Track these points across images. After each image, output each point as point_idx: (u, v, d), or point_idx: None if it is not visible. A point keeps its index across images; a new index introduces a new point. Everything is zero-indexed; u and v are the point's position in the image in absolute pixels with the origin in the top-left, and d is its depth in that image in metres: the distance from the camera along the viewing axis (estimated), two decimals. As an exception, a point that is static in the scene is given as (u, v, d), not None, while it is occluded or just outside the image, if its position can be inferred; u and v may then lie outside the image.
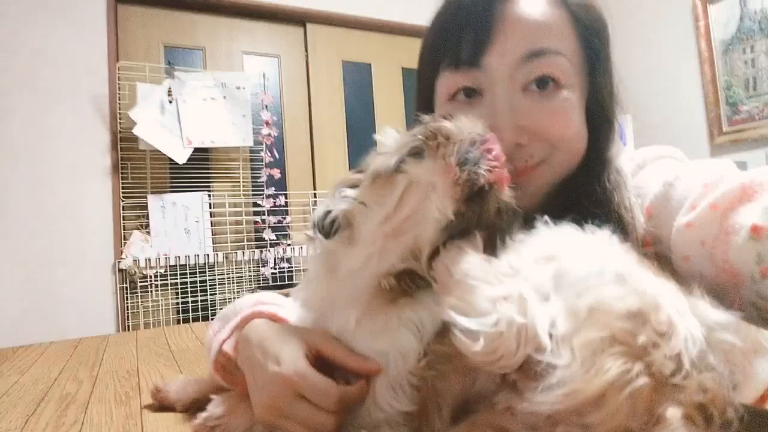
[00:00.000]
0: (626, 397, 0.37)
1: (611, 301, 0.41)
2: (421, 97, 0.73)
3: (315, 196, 3.11)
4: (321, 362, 0.53)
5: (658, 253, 0.64)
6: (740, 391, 0.73)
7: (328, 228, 0.54)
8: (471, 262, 0.47)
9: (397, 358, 0.50)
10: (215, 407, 0.60)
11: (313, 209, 0.58)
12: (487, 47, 0.63)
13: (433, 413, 0.50)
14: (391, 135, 0.55)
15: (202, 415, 0.60)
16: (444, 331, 0.51)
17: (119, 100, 2.68)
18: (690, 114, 3.24)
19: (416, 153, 0.50)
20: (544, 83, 0.63)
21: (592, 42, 0.66)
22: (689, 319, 0.42)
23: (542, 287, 0.43)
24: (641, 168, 0.70)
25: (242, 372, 0.61)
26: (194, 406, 0.69)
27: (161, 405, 0.73)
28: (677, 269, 0.60)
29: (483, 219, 0.51)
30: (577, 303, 0.41)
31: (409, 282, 0.52)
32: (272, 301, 0.70)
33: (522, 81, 0.63)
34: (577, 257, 0.46)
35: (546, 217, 0.51)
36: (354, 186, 0.55)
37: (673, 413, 0.38)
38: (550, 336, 0.40)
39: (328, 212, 0.54)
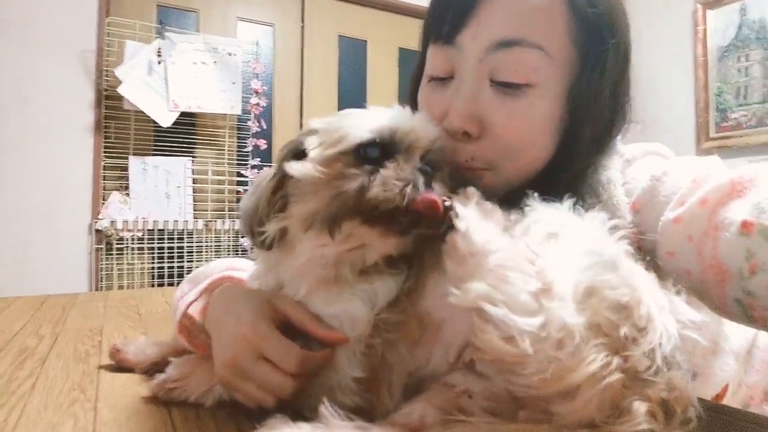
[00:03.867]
0: (598, 391, 0.37)
1: (605, 289, 0.40)
2: (419, 65, 0.71)
3: (300, 171, 3.08)
4: (287, 329, 0.52)
5: (641, 248, 0.63)
6: (699, 389, 0.74)
7: (267, 245, 0.54)
8: (502, 245, 0.43)
9: (347, 324, 0.50)
10: (173, 369, 0.59)
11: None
12: (463, 26, 0.60)
13: (384, 388, 0.49)
14: (307, 170, 0.51)
15: (160, 376, 0.59)
16: (396, 300, 0.51)
17: (106, 56, 2.60)
18: (679, 117, 3.26)
19: (354, 213, 0.50)
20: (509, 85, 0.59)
21: (590, 39, 0.61)
22: (667, 316, 0.42)
23: (559, 266, 0.41)
24: (630, 163, 0.69)
25: (206, 335, 0.60)
26: (154, 369, 0.67)
27: (120, 366, 0.71)
28: (661, 265, 0.59)
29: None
30: (577, 279, 0.40)
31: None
32: (244, 267, 0.69)
33: (490, 70, 0.60)
34: (577, 234, 0.45)
35: (536, 194, 0.50)
36: (284, 204, 0.53)
37: (638, 407, 0.37)
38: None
39: (261, 232, 0.53)
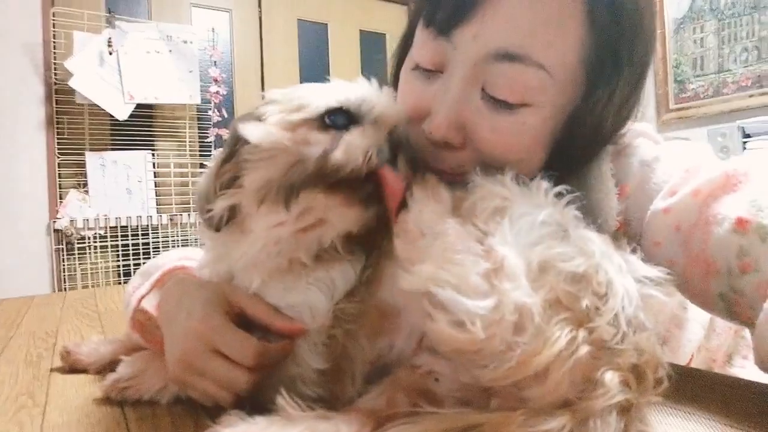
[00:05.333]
0: (568, 369, 0.36)
1: (559, 262, 0.39)
2: (405, 37, 0.65)
3: (266, 160, 3.02)
4: (242, 323, 0.50)
5: (627, 235, 0.62)
6: (671, 356, 0.75)
7: (215, 225, 0.51)
8: (450, 226, 0.42)
9: (306, 315, 0.48)
10: (126, 368, 0.56)
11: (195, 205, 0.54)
12: (463, 20, 0.53)
13: (346, 378, 0.48)
14: (265, 133, 0.48)
15: (112, 376, 0.56)
16: (354, 290, 0.49)
17: (54, 49, 2.49)
18: (640, 90, 3.30)
19: (313, 183, 0.47)
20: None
21: (603, 60, 0.54)
22: (626, 277, 0.41)
23: (509, 242, 0.40)
24: (620, 152, 0.65)
25: (161, 330, 0.57)
26: (109, 369, 0.64)
27: (73, 368, 0.67)
28: (646, 254, 0.58)
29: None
30: (529, 255, 0.39)
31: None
32: (197, 257, 0.66)
33: (484, 80, 0.54)
34: (524, 205, 0.44)
35: (478, 169, 0.49)
36: (235, 176, 0.49)
37: (610, 378, 0.36)
38: None
39: (209, 210, 0.50)
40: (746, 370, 0.88)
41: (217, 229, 0.51)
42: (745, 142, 2.62)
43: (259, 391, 0.49)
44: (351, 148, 0.45)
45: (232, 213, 0.51)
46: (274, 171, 0.46)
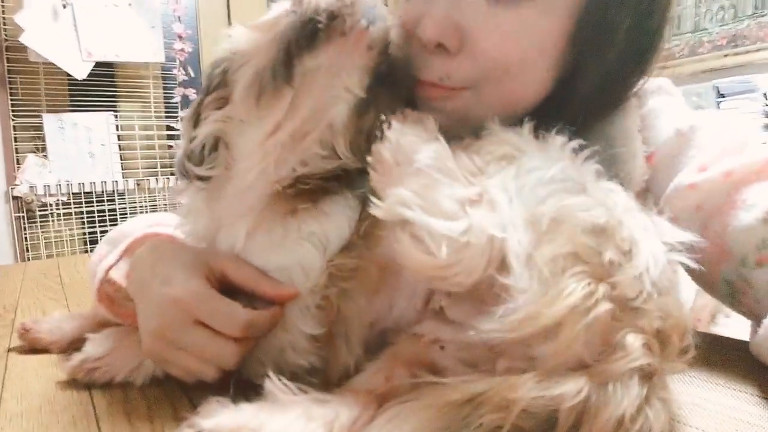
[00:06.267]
0: (584, 326, 0.32)
1: (575, 212, 0.36)
2: None
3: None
4: (225, 291, 0.45)
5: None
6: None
7: (197, 158, 0.46)
8: (431, 149, 0.39)
9: (298, 274, 0.44)
10: (93, 346, 0.50)
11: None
12: None
13: (340, 343, 0.44)
14: (242, 36, 0.46)
15: (78, 356, 0.50)
16: (351, 244, 0.45)
17: (2, 2, 2.30)
18: (618, 49, 3.27)
19: (307, 42, 0.41)
20: None
21: None
22: (652, 238, 0.38)
23: (508, 189, 0.37)
24: (643, 103, 0.61)
25: (132, 303, 0.52)
26: (74, 347, 0.58)
27: (33, 348, 0.61)
28: None
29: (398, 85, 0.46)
30: (538, 209, 0.36)
31: (310, 187, 0.46)
32: (170, 223, 0.60)
33: None
34: (536, 159, 0.40)
35: (496, 118, 0.44)
36: (220, 107, 0.46)
37: (632, 341, 0.33)
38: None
39: (192, 139, 0.46)
40: (729, 328, 0.88)
41: (200, 163, 0.46)
42: (719, 102, 2.64)
43: (245, 364, 0.44)
44: None
45: (215, 146, 0.47)
46: (261, 58, 0.43)
